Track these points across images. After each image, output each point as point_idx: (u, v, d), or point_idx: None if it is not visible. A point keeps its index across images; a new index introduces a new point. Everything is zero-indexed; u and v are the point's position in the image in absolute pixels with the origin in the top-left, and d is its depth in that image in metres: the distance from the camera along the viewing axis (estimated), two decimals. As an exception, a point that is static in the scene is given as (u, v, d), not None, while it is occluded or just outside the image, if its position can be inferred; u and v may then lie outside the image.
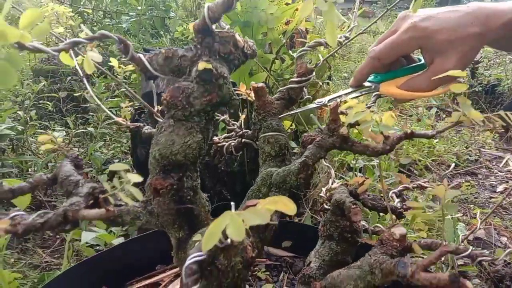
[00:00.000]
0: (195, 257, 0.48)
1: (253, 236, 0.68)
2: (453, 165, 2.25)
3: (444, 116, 3.67)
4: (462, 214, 2.08)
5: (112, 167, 0.44)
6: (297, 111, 0.79)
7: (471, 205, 2.22)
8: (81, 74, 0.99)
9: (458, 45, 0.72)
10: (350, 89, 0.78)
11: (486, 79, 3.83)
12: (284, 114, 0.78)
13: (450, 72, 0.60)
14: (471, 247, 0.67)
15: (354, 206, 0.78)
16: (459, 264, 1.74)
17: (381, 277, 0.59)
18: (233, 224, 0.39)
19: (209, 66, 0.57)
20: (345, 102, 0.64)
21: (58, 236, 1.83)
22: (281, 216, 1.31)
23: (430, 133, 0.63)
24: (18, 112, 2.06)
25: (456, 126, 0.63)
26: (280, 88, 0.84)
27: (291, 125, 1.76)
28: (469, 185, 2.36)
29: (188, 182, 0.59)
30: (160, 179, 0.57)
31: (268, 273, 1.20)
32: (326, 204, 0.96)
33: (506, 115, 0.59)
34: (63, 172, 0.61)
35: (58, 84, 3.01)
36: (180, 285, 0.86)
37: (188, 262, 0.47)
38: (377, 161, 2.34)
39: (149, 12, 2.12)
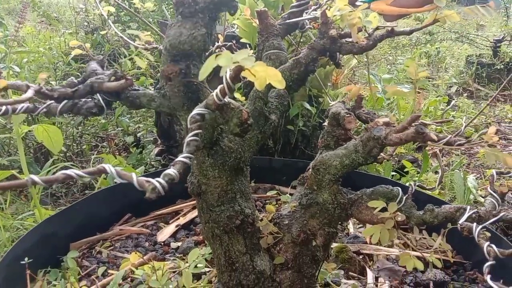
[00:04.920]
0: (198, 110, 0.58)
1: (255, 129, 0.78)
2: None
3: (465, 94, 3.68)
4: (477, 177, 2.11)
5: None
6: (289, 21, 0.88)
7: (487, 169, 2.25)
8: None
9: None
10: (343, 7, 0.86)
11: (508, 56, 3.81)
12: (279, 22, 0.87)
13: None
14: (450, 135, 0.74)
15: (348, 115, 0.86)
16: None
17: (362, 150, 0.68)
18: (224, 57, 0.48)
19: (210, -33, 0.66)
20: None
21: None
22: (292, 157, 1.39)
23: (409, 30, 0.70)
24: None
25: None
26: (282, 14, 0.92)
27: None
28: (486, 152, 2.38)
29: (194, 70, 0.69)
30: (170, 65, 0.67)
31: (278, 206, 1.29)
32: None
33: None
34: (90, 68, 0.72)
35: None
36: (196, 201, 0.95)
37: (193, 113, 0.57)
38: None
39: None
